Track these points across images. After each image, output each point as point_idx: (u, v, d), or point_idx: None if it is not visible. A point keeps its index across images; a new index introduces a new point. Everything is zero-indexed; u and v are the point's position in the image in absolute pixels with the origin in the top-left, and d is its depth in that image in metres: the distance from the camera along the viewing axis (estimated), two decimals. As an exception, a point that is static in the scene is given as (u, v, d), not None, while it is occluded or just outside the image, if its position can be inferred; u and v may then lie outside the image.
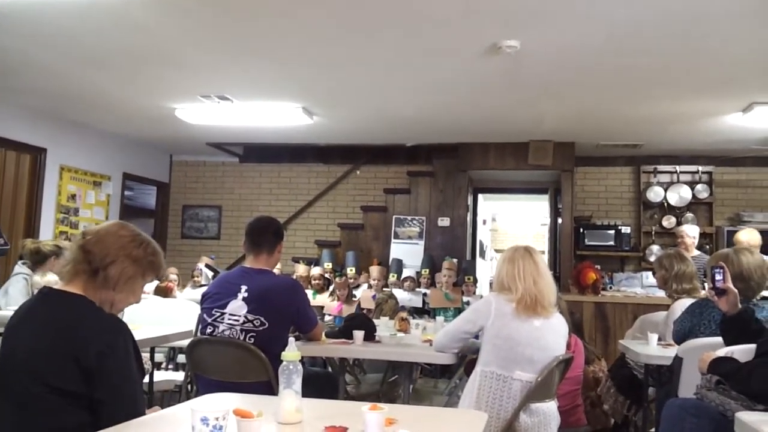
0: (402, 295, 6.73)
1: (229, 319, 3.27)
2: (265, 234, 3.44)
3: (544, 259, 3.26)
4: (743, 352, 2.56)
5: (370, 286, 7.17)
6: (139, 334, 3.68)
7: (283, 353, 1.81)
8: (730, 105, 5.99)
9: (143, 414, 1.83)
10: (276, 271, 7.26)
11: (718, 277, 2.84)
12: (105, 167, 8.26)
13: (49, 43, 4.83)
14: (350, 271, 7.59)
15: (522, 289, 3.08)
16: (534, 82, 5.49)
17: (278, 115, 6.71)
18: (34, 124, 7.08)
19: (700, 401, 2.41)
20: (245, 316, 3.24)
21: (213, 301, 3.34)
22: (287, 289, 3.39)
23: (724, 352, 2.62)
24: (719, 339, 2.88)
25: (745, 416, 2.01)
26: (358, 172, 9.14)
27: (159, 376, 4.13)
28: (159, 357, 5.17)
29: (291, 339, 1.86)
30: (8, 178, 6.90)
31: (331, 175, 9.19)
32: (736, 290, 2.80)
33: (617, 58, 4.80)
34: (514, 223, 14.47)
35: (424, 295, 7.12)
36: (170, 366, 5.14)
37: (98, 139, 8.08)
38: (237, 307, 3.26)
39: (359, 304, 6.65)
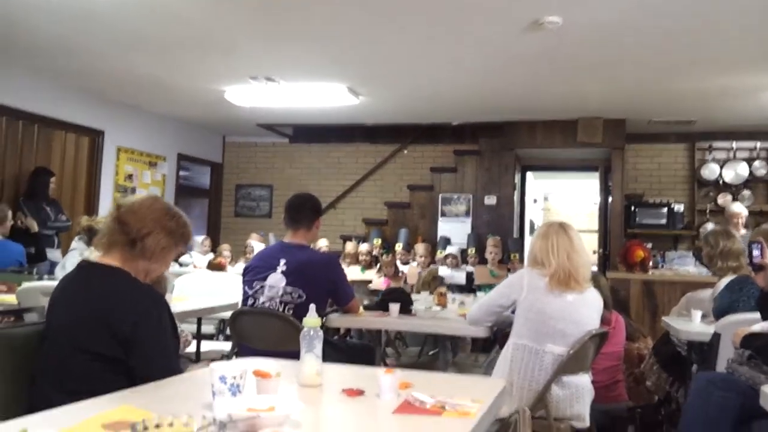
0: (445, 272, 6.77)
1: (269, 291, 3.39)
2: (303, 210, 3.54)
3: (579, 235, 3.24)
4: (779, 327, 2.52)
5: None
6: (186, 305, 3.88)
7: (304, 320, 1.89)
8: (785, 77, 5.77)
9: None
10: (324, 248, 7.51)
11: (755, 252, 2.79)
12: (160, 148, 8.54)
13: (104, 29, 5.03)
14: (398, 247, 7.67)
15: (555, 264, 3.08)
16: (578, 59, 5.41)
17: (324, 96, 6.79)
18: (92, 108, 7.36)
19: (729, 375, 2.39)
20: (284, 289, 3.35)
21: (254, 274, 3.47)
22: (324, 263, 3.50)
23: (759, 327, 2.58)
24: (757, 315, 2.84)
25: (769, 389, 2.00)
26: (405, 152, 9.17)
27: (206, 346, 4.30)
28: (210, 328, 5.39)
29: (312, 306, 1.94)
30: (68, 159, 7.21)
31: (379, 155, 9.26)
32: (773, 265, 2.74)
33: (662, 33, 4.69)
34: (566, 201, 14.25)
35: (471, 272, 7.14)
36: (221, 337, 5.34)
37: (153, 121, 8.35)
38: (276, 279, 3.38)
39: (405, 280, 6.74)
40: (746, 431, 2.16)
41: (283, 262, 3.40)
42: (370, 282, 6.71)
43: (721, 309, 3.30)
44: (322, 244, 7.71)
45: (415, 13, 4.53)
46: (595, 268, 8.01)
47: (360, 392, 1.76)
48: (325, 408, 1.71)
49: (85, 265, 2.02)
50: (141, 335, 1.85)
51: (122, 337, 1.84)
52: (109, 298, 1.89)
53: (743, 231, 6.00)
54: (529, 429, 1.43)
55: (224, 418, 1.33)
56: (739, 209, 6.13)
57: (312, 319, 1.88)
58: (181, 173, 9.23)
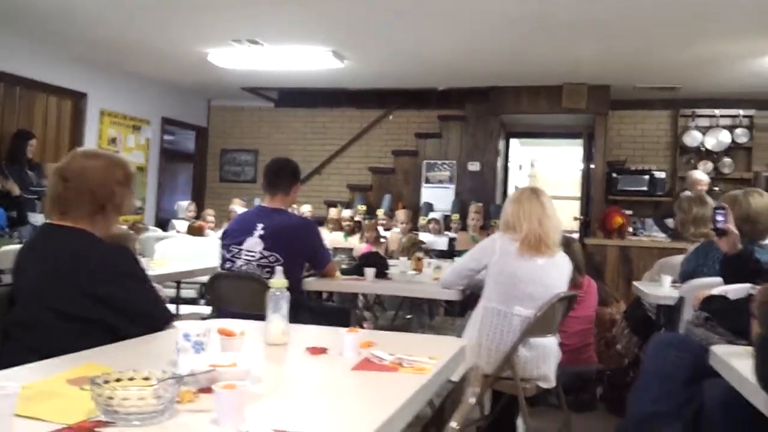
0: (427, 238, 6.84)
1: (246, 255, 3.44)
2: (282, 174, 3.58)
3: (551, 201, 3.30)
4: (737, 290, 2.60)
5: (401, 229, 7.31)
6: (165, 269, 3.93)
7: (270, 281, 1.95)
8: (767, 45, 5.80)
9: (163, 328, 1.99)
10: (308, 213, 7.54)
11: (719, 217, 2.86)
12: (144, 112, 8.50)
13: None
14: (380, 212, 7.72)
15: (527, 229, 3.15)
16: (564, 23, 5.41)
17: (309, 59, 6.77)
18: (74, 70, 7.31)
19: (686, 336, 2.48)
20: (261, 252, 3.41)
21: (231, 239, 3.52)
22: (301, 227, 3.55)
23: (719, 290, 2.66)
24: (720, 279, 2.92)
25: (719, 349, 2.08)
26: (390, 117, 9.17)
27: (187, 309, 4.36)
28: (191, 293, 5.46)
29: (278, 268, 1.99)
30: (51, 122, 7.18)
31: (364, 120, 9.25)
32: (736, 231, 2.82)
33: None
34: (552, 168, 14.30)
35: (453, 239, 7.21)
36: (202, 301, 5.41)
37: (137, 84, 8.30)
38: (253, 243, 3.43)
39: (387, 246, 6.81)
40: (697, 389, 2.25)
41: (260, 226, 3.45)
42: (351, 249, 6.77)
43: (686, 273, 3.38)
44: (306, 209, 7.75)
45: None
46: (576, 235, 8.12)
47: (323, 350, 1.82)
48: (288, 365, 1.78)
49: (47, 228, 2.03)
50: (118, 292, 1.90)
51: (98, 297, 1.87)
52: (78, 259, 1.91)
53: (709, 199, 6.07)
54: (477, 386, 1.50)
55: (185, 372, 1.39)
56: (701, 176, 6.22)
57: (278, 281, 1.93)
58: (166, 137, 9.21)
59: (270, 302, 1.92)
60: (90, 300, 1.87)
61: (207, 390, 1.34)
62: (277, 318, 1.91)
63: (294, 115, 9.54)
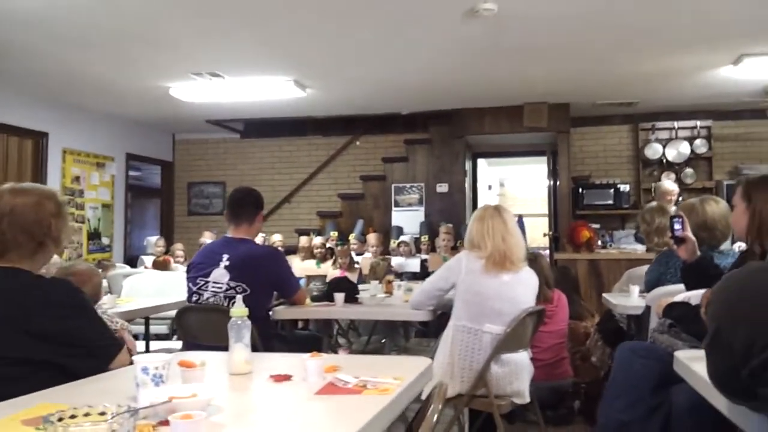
0: (399, 261, 6.85)
1: (213, 287, 3.41)
2: (244, 204, 3.56)
3: (513, 218, 3.34)
4: (698, 296, 2.63)
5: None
6: (132, 305, 3.87)
7: (231, 310, 1.93)
8: (720, 58, 5.97)
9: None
10: (279, 242, 7.50)
11: (677, 226, 2.90)
12: (108, 149, 8.42)
13: (42, 28, 4.95)
14: (352, 237, 7.71)
15: (491, 247, 3.18)
16: (519, 45, 5.52)
17: (271, 90, 6.79)
18: (34, 109, 7.23)
19: (651, 344, 2.51)
20: (228, 284, 3.38)
21: (197, 271, 3.48)
22: (267, 256, 3.53)
23: (681, 297, 2.69)
24: (683, 286, 2.96)
25: (681, 354, 2.11)
26: (357, 143, 9.22)
27: (156, 345, 4.30)
28: (163, 329, 5.37)
29: (239, 297, 1.98)
30: (12, 163, 7.07)
31: (331, 147, 9.28)
32: (694, 238, 2.86)
33: (599, 17, 4.83)
34: (521, 187, 14.48)
35: (425, 260, 7.23)
36: (174, 337, 5.32)
37: (99, 121, 8.23)
38: (219, 275, 3.40)
39: (361, 271, 6.80)
40: (665, 395, 2.27)
41: (225, 257, 3.42)
42: (325, 276, 6.74)
43: (651, 282, 3.44)
44: (277, 238, 7.72)
45: (356, 5, 4.58)
46: (546, 251, 8.19)
47: (287, 377, 1.81)
48: (251, 393, 1.76)
49: None
50: (60, 326, 1.84)
51: (41, 334, 1.81)
52: (15, 297, 1.85)
53: (673, 208, 6.19)
54: (440, 403, 1.50)
55: (143, 405, 1.36)
56: (671, 186, 6.33)
57: (239, 309, 1.92)
58: (131, 173, 9.12)
59: (232, 331, 1.90)
60: (33, 339, 1.80)
61: (166, 423, 1.32)
62: (240, 347, 1.89)
63: (260, 145, 9.54)
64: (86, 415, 1.30)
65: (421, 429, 1.40)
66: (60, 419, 1.23)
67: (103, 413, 1.30)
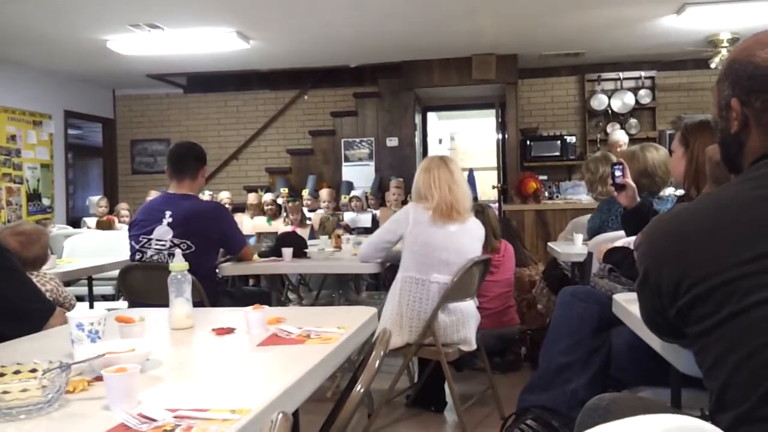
0: (350, 216, 6.84)
1: (156, 245, 3.34)
2: (186, 159, 3.48)
3: (459, 168, 3.36)
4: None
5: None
6: (74, 266, 3.77)
7: (171, 265, 1.89)
8: (663, 7, 6.02)
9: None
10: (227, 200, 7.40)
11: (617, 173, 2.95)
12: (44, 106, 8.08)
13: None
14: (305, 193, 7.66)
15: (438, 197, 3.19)
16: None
17: (213, 42, 6.59)
18: (-37, 65, 6.88)
19: (591, 288, 2.57)
20: (171, 241, 3.32)
21: (139, 228, 3.41)
22: (211, 212, 3.47)
23: (621, 242, 2.75)
24: (623, 232, 3.03)
25: (620, 297, 2.16)
26: (305, 97, 9.07)
27: (101, 306, 4.20)
28: (109, 289, 5.27)
29: (178, 251, 1.94)
30: (-59, 121, 6.74)
31: (279, 102, 9.12)
32: (633, 185, 2.92)
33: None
34: (471, 140, 14.55)
35: (375, 215, 7.24)
36: (121, 297, 5.23)
37: (34, 77, 7.87)
38: (163, 232, 3.34)
39: (312, 227, 6.77)
40: (605, 337, 2.33)
41: (168, 213, 3.35)
42: (276, 233, 6.69)
43: (593, 229, 3.51)
44: (224, 195, 7.61)
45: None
46: (495, 203, 8.29)
47: (230, 330, 1.79)
48: (191, 347, 1.74)
49: None
50: None
51: None
52: None
53: (615, 158, 6.32)
54: (383, 349, 1.50)
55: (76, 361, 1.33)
56: (620, 136, 6.45)
57: (178, 264, 1.88)
58: (71, 132, 8.80)
59: (172, 286, 1.87)
60: None
61: (101, 378, 1.29)
62: (181, 301, 1.86)
63: (205, 100, 9.30)
64: (16, 372, 1.27)
65: (363, 374, 1.40)
66: (-12, 378, 1.20)
67: (34, 370, 1.27)
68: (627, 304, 2.05)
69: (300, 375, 1.33)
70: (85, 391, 1.28)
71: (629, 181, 2.94)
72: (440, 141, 12.80)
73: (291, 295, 4.92)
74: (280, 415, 0.99)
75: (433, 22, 6.31)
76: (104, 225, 5.51)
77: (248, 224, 6.97)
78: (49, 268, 3.26)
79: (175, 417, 1.09)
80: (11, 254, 1.93)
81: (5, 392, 1.12)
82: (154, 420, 1.09)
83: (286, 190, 7.80)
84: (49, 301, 1.98)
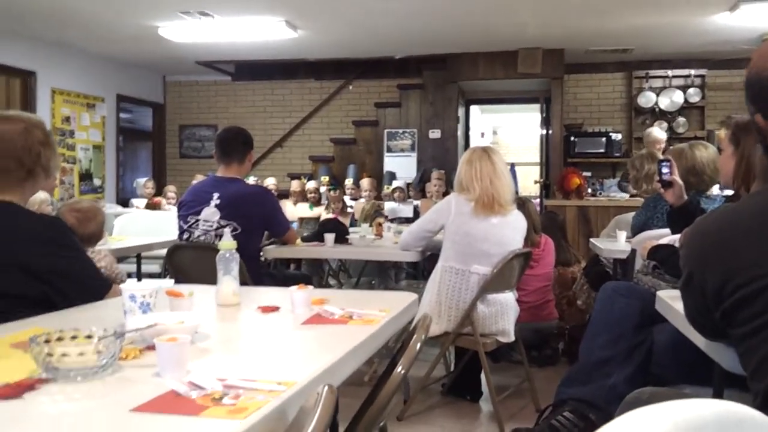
0: (391, 206, 6.87)
1: (204, 225, 3.43)
2: (234, 143, 3.55)
3: (502, 160, 3.35)
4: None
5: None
6: (124, 243, 3.89)
7: (220, 243, 1.94)
8: (716, 5, 5.89)
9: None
10: (273, 186, 7.50)
11: (664, 170, 2.91)
12: (98, 89, 8.31)
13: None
14: (348, 182, 7.72)
15: (479, 190, 3.19)
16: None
17: (262, 30, 6.68)
18: (21, 48, 7.10)
19: (634, 284, 2.55)
20: (218, 222, 3.39)
21: (187, 209, 3.50)
22: (257, 195, 3.54)
23: (667, 240, 2.73)
24: (668, 230, 2.99)
25: (663, 293, 2.14)
26: (350, 87, 9.13)
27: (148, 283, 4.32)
28: (155, 267, 5.41)
29: (227, 230, 1.99)
30: (0, 102, 6.98)
31: (324, 91, 9.19)
32: (681, 182, 2.88)
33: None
34: (514, 135, 14.43)
35: (416, 206, 7.25)
36: (167, 276, 5.36)
37: (88, 60, 8.10)
38: (210, 213, 3.42)
39: (353, 216, 6.83)
40: (646, 334, 2.31)
41: (216, 195, 3.43)
42: (318, 218, 6.77)
43: (637, 226, 3.47)
44: (270, 182, 7.71)
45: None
46: (536, 199, 8.21)
47: (275, 308, 1.83)
48: (238, 323, 1.79)
49: None
50: (53, 264, 1.85)
51: (33, 270, 1.82)
52: (8, 233, 1.85)
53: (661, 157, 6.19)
54: (423, 333, 1.53)
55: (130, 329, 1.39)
56: (660, 134, 6.32)
57: (227, 242, 1.93)
58: (123, 116, 9.03)
59: (220, 264, 1.92)
60: (24, 274, 1.82)
61: (153, 348, 1.34)
62: (228, 279, 1.91)
63: (252, 88, 9.43)
64: (73, 338, 1.33)
65: (404, 356, 1.43)
66: (47, 341, 1.26)
67: (89, 336, 1.33)
68: (671, 300, 2.03)
69: (343, 353, 1.36)
70: (137, 359, 1.33)
71: (677, 178, 2.90)
72: (482, 135, 12.71)
73: (331, 281, 4.98)
74: (326, 387, 1.03)
75: (478, 14, 6.28)
76: (152, 206, 5.65)
77: (291, 210, 7.06)
78: (101, 246, 3.37)
79: (223, 386, 1.14)
80: (72, 232, 2.00)
81: (64, 354, 1.18)
82: (203, 388, 1.13)
83: (327, 178, 7.87)
84: (105, 278, 2.05)
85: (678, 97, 8.22)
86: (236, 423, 0.96)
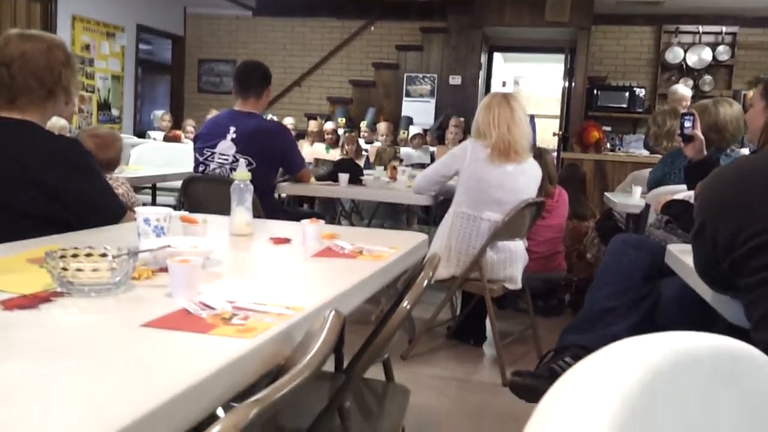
0: (409, 152, 6.85)
1: (219, 158, 3.44)
2: (253, 77, 3.53)
3: (522, 107, 3.30)
4: (698, 195, 2.65)
5: (382, 142, 7.29)
6: (140, 173, 3.92)
7: (234, 173, 1.96)
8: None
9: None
10: (290, 125, 7.49)
11: (687, 123, 2.88)
12: (118, 18, 8.24)
13: None
14: (363, 125, 7.68)
15: (496, 136, 3.16)
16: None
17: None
18: (42, -29, 7.03)
19: (644, 237, 2.54)
20: (234, 156, 3.40)
21: (203, 141, 3.51)
22: (274, 131, 3.54)
23: (682, 195, 2.71)
24: (684, 186, 2.97)
25: (674, 247, 2.14)
26: (372, 28, 8.98)
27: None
28: (170, 200, 5.46)
29: (242, 161, 2.00)
30: (20, 27, 6.94)
31: (345, 31, 9.05)
32: (702, 137, 2.84)
33: None
34: (536, 86, 14.21)
35: (433, 153, 7.22)
36: (182, 208, 5.41)
37: (108, -13, 8.01)
38: (226, 147, 3.43)
39: (367, 158, 6.82)
40: (653, 287, 2.32)
41: (232, 129, 3.43)
42: (333, 160, 6.76)
43: (654, 181, 3.44)
44: (289, 121, 7.68)
45: None
46: (554, 153, 8.13)
47: (286, 240, 1.86)
48: (250, 252, 1.82)
49: None
50: (71, 184, 1.87)
51: (50, 189, 1.84)
52: (28, 152, 1.86)
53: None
54: (431, 270, 1.54)
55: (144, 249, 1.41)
56: (686, 92, 6.19)
57: (241, 173, 1.95)
58: (142, 47, 8.97)
59: (234, 194, 1.93)
60: (42, 193, 1.83)
61: (165, 270, 1.37)
62: (242, 210, 1.93)
63: (272, 24, 9.31)
64: (88, 255, 1.35)
65: (410, 292, 1.45)
66: (62, 257, 1.28)
67: (104, 254, 1.35)
68: (681, 254, 2.04)
69: (350, 285, 1.38)
70: (149, 279, 1.36)
71: (698, 132, 2.87)
72: (504, 84, 12.53)
73: (343, 222, 5.01)
74: (333, 312, 1.05)
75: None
76: (172, 139, 5.66)
77: (307, 150, 7.04)
78: (117, 173, 3.40)
79: (233, 307, 1.16)
80: (91, 156, 2.01)
81: (79, 270, 1.21)
82: (213, 308, 1.16)
83: (343, 120, 7.83)
84: (122, 202, 2.07)
85: (707, 54, 8.03)
86: (245, 342, 0.99)
